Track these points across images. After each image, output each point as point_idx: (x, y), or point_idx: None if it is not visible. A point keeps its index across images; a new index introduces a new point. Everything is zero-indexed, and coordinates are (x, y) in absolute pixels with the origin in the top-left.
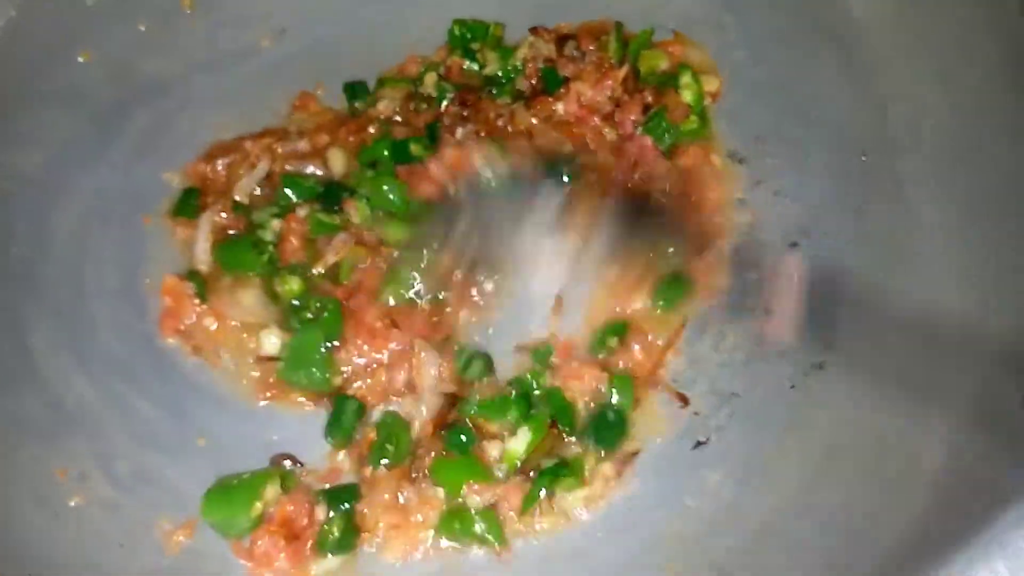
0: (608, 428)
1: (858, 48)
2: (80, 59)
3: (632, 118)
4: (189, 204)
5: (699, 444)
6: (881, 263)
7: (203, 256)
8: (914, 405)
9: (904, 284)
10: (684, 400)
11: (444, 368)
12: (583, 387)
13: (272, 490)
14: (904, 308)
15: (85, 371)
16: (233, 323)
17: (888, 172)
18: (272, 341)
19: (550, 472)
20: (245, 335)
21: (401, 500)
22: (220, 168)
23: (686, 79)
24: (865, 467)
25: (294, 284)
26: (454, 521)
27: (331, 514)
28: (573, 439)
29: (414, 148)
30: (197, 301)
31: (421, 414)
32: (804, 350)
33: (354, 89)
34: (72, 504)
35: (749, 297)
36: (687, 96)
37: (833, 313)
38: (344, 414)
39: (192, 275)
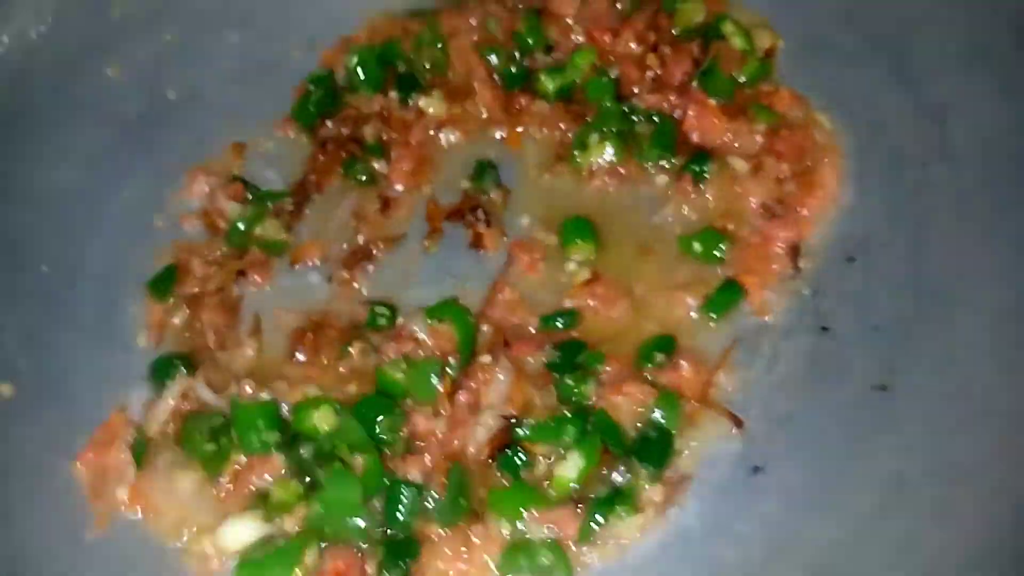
0: (654, 447)
1: (911, 54)
2: (109, 72)
3: (683, 71)
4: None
5: (755, 471)
6: (944, 278)
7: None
8: (988, 429)
9: (967, 297)
10: (739, 423)
11: (512, 385)
12: (630, 404)
13: (312, 554)
14: (968, 323)
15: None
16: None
17: (949, 183)
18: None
19: (605, 500)
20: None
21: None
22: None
23: (729, 28)
24: (936, 499)
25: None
26: (519, 556)
27: (384, 573)
28: (621, 466)
29: None
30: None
31: (477, 439)
32: (865, 371)
33: None
34: None
35: (804, 315)
36: (737, 43)
37: (894, 331)
38: (402, 503)
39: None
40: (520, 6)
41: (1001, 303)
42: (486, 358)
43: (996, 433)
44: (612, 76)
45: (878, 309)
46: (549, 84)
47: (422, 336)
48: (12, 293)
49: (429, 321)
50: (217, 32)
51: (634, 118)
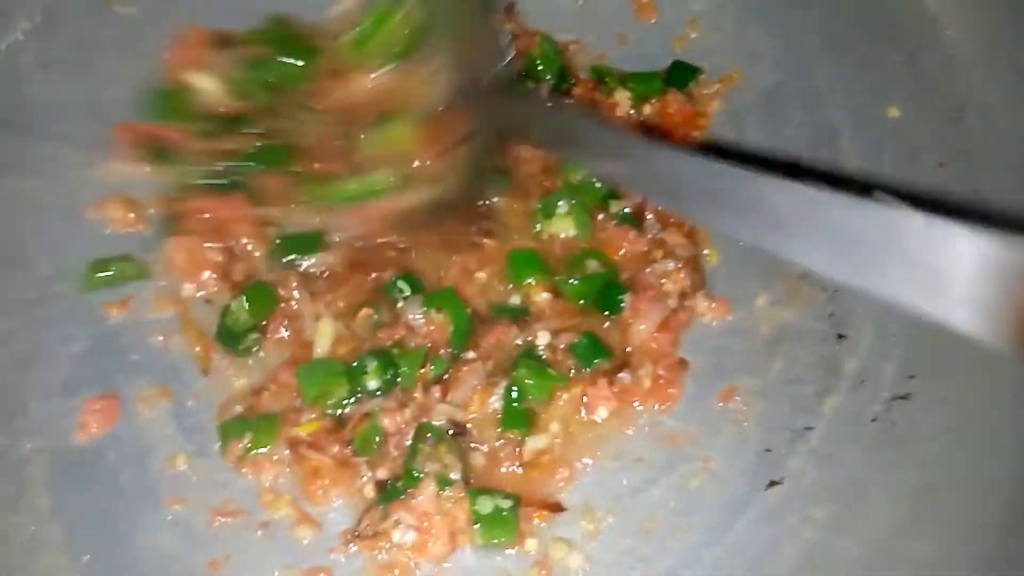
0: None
1: (927, 47)
2: None
3: None
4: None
5: (772, 484)
6: None
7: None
8: (1015, 438)
9: None
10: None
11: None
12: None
13: None
14: None
15: None
16: None
17: (966, 182)
18: None
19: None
20: None
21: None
22: None
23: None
24: (963, 511)
25: None
26: None
27: None
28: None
29: None
30: None
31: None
32: (885, 380)
33: None
34: None
35: (820, 322)
36: None
37: (915, 338)
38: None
39: None
40: None
41: None
42: (470, 355)
43: (1021, 443)
44: None
45: (895, 315)
46: None
47: (417, 323)
48: None
49: (426, 309)
50: None
51: None
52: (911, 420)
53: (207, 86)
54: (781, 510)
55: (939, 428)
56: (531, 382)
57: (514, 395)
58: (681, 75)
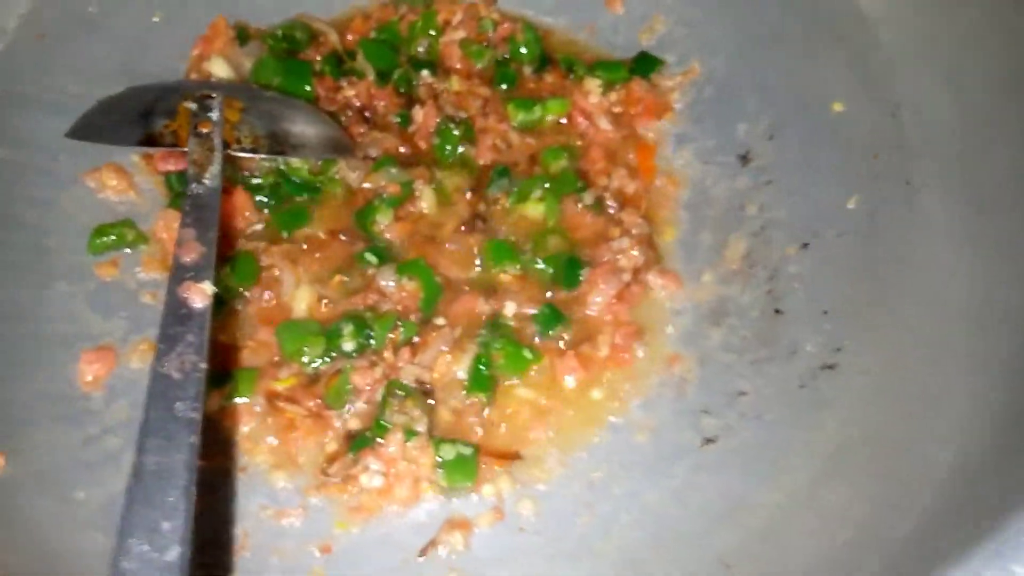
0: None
1: (869, 48)
2: None
3: None
4: None
5: (708, 442)
6: (891, 264)
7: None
8: (924, 406)
9: (913, 285)
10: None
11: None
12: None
13: None
14: (913, 309)
15: None
16: None
17: (899, 173)
18: None
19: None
20: None
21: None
22: None
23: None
24: (873, 466)
25: None
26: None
27: None
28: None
29: None
30: None
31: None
32: (814, 351)
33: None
34: None
35: (759, 297)
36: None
37: (845, 314)
38: None
39: None
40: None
41: (942, 291)
42: (440, 321)
43: (932, 409)
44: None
45: (828, 293)
46: (515, 115)
47: (389, 289)
48: None
49: (398, 277)
50: None
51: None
52: (835, 387)
53: (222, 73)
54: (715, 463)
55: (859, 395)
56: (506, 360)
57: (482, 366)
58: (646, 65)
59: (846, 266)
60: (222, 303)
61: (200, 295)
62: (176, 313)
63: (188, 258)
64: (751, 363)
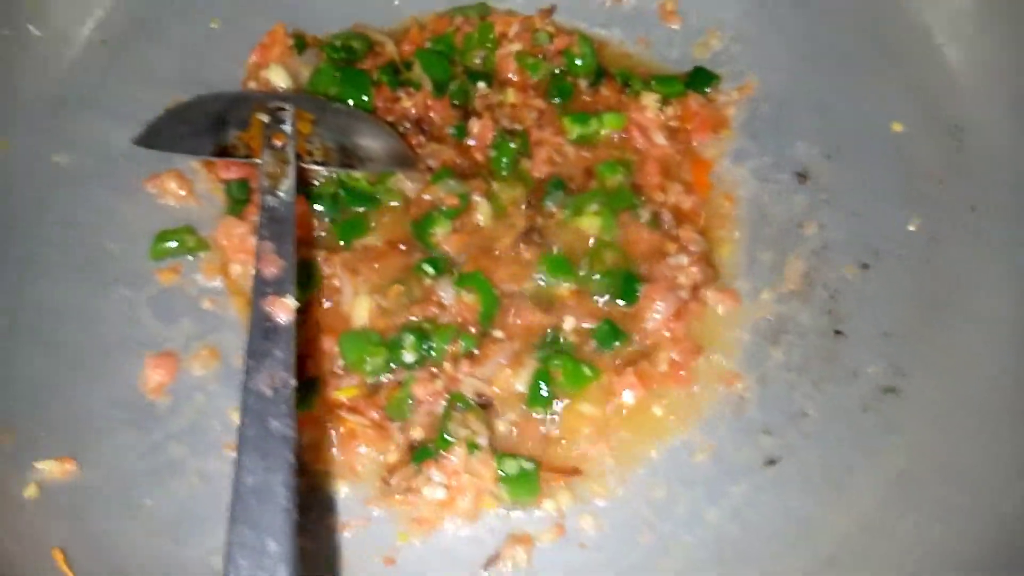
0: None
1: (932, 68)
2: None
3: None
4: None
5: (771, 463)
6: (953, 290)
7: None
8: (990, 437)
9: (976, 312)
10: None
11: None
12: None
13: None
14: (976, 336)
15: None
16: None
17: (962, 198)
18: None
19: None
20: None
21: None
22: None
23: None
24: (941, 494)
25: None
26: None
27: None
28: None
29: None
30: None
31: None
32: (876, 373)
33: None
34: None
35: (820, 318)
36: None
37: (907, 338)
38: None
39: None
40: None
41: (1005, 312)
42: (499, 334)
43: (997, 436)
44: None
45: (889, 316)
46: (572, 129)
47: (448, 302)
48: None
49: (457, 289)
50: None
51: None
52: (899, 411)
53: (280, 82)
54: (777, 485)
55: (924, 421)
56: (566, 376)
57: (542, 384)
58: (702, 80)
59: (907, 289)
60: None
61: (284, 309)
62: (262, 328)
63: (269, 272)
64: (812, 383)
